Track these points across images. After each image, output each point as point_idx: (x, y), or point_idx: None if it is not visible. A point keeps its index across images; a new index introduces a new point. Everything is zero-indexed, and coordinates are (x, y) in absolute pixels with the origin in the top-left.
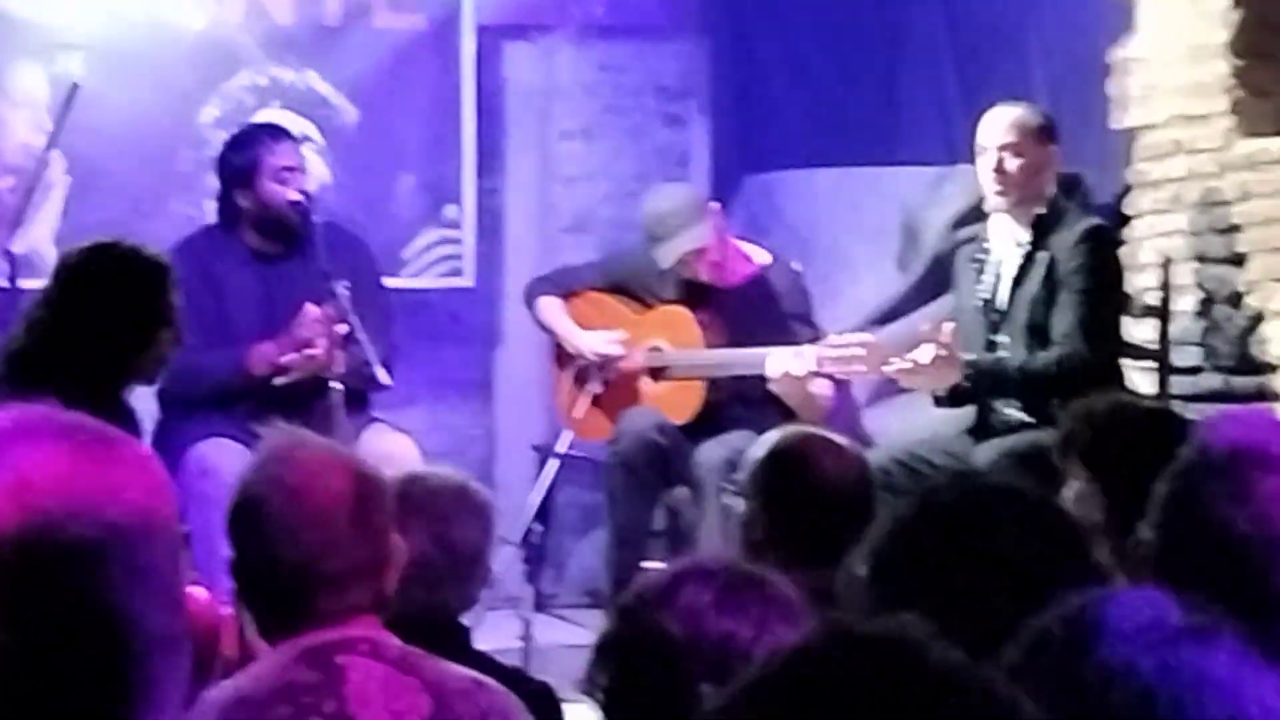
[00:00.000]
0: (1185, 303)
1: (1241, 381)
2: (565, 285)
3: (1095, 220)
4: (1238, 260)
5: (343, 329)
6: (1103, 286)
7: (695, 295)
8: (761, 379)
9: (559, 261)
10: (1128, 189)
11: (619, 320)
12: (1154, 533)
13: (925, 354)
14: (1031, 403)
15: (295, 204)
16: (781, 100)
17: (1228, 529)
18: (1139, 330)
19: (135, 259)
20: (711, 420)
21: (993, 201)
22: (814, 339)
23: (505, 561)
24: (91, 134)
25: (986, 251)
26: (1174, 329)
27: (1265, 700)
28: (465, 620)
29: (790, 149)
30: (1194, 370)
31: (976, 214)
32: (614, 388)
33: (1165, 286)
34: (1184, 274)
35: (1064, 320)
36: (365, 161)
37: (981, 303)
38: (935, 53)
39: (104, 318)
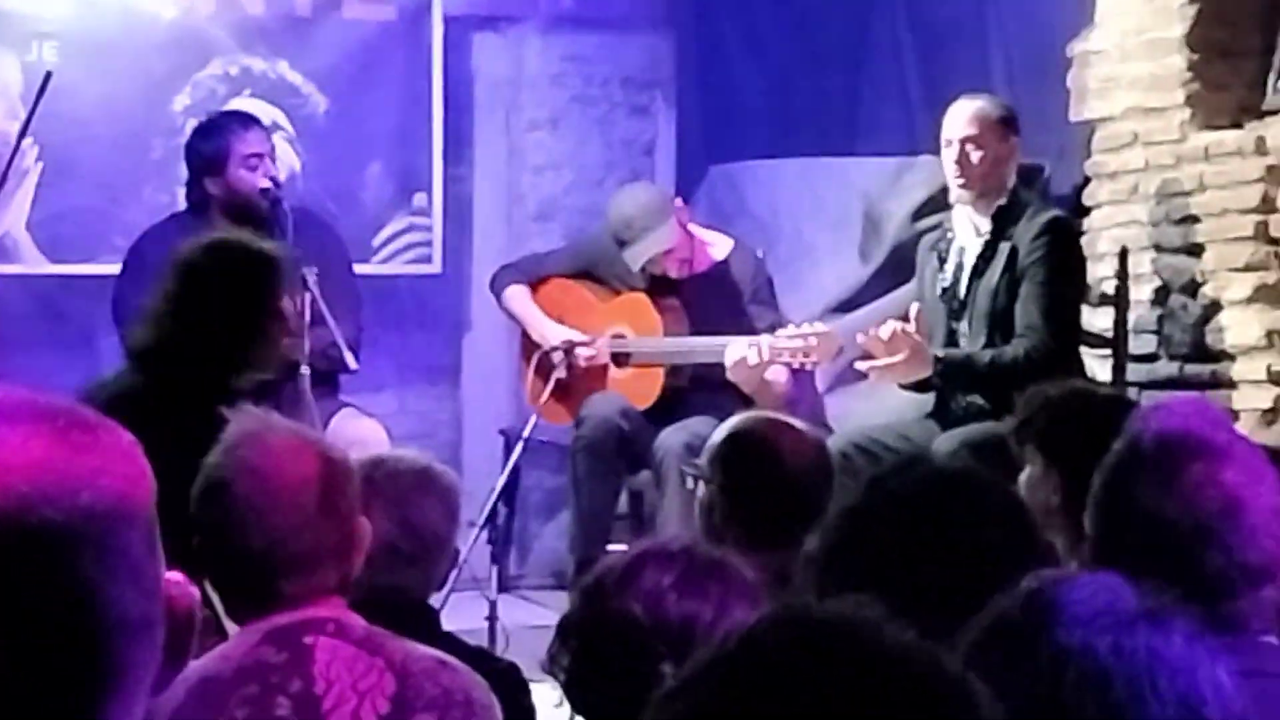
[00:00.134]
0: (1142, 292)
1: (1196, 369)
2: (532, 273)
3: (1056, 211)
4: (1194, 250)
5: (312, 313)
6: (1065, 277)
7: (660, 283)
8: (722, 365)
9: (526, 249)
10: (1086, 180)
11: (584, 307)
12: (1090, 523)
13: (886, 330)
14: (995, 392)
15: (265, 191)
16: (746, 91)
17: (1157, 516)
18: (1096, 319)
19: (245, 253)
20: (673, 406)
21: (956, 193)
22: (775, 323)
23: (471, 544)
24: (65, 122)
25: (949, 241)
26: (1131, 318)
27: (1218, 681)
28: (432, 601)
29: (754, 139)
30: (1150, 358)
31: (937, 204)
32: (578, 374)
33: (1122, 276)
34: (1141, 263)
35: (1028, 311)
36: (335, 150)
37: (942, 291)
38: (897, 46)
39: (216, 311)
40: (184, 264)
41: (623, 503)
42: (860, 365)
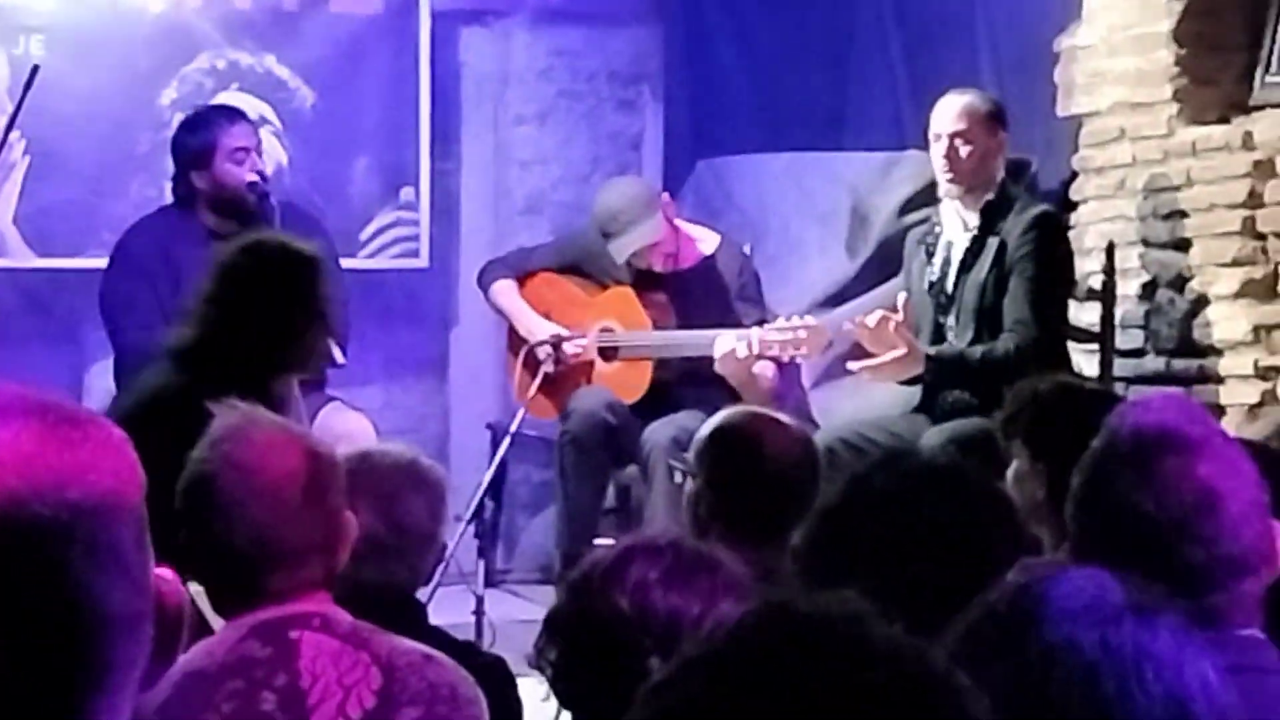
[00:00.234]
0: (1129, 287)
1: (1183, 364)
2: (519, 268)
3: (1045, 206)
4: (1181, 245)
5: None
6: (1053, 272)
7: (646, 278)
8: (709, 360)
9: (513, 244)
10: (1073, 175)
11: (572, 301)
12: (1070, 519)
13: (872, 319)
14: (983, 387)
15: (251, 185)
16: (733, 86)
17: (1135, 511)
18: (1083, 314)
19: (286, 254)
20: (660, 400)
21: (945, 187)
22: (761, 319)
23: (458, 538)
24: (52, 116)
25: (936, 235)
26: (1118, 312)
27: (1205, 676)
28: (419, 596)
29: (742, 134)
30: (1137, 353)
31: (924, 199)
32: (565, 368)
33: (1109, 271)
34: (1128, 258)
35: (1016, 306)
36: (322, 144)
37: (930, 286)
38: (884, 40)
39: (256, 311)
40: (225, 264)
41: (610, 497)
42: (853, 365)
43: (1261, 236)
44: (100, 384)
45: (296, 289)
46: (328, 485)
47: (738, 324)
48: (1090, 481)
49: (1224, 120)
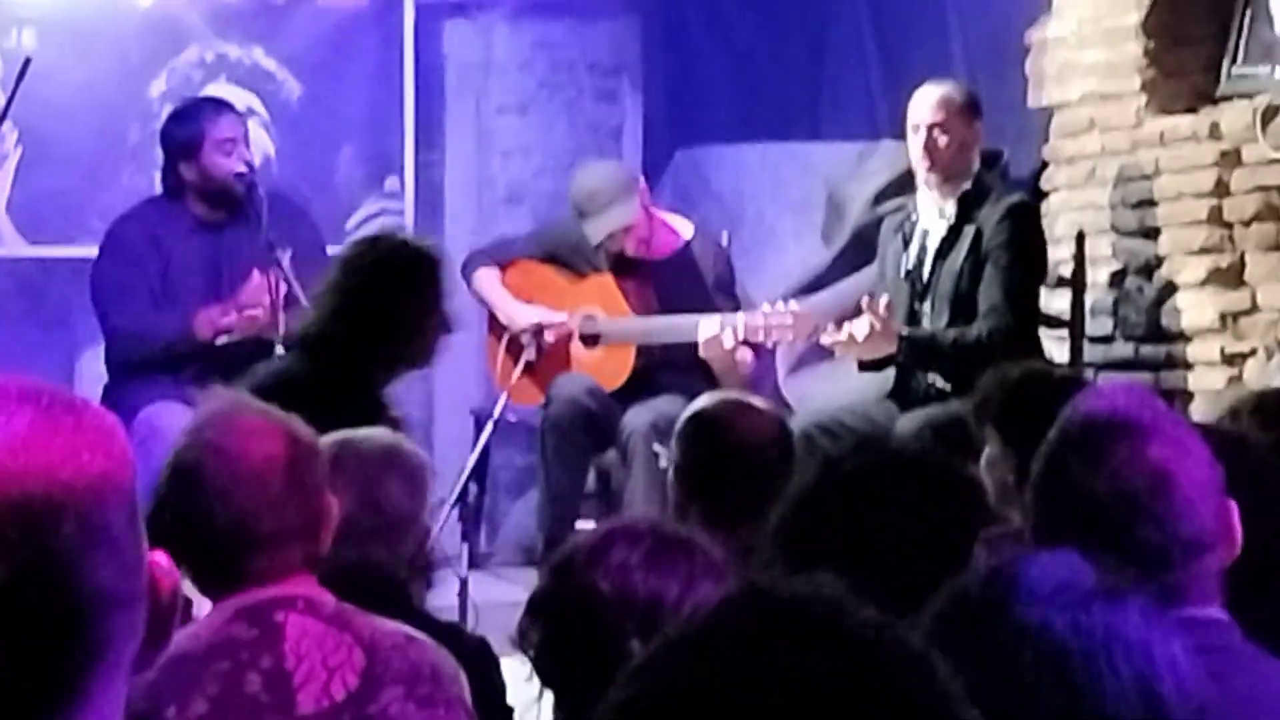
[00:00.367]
0: (1099, 274)
1: (1151, 350)
2: (500, 257)
3: (1020, 196)
4: (1150, 234)
5: (286, 294)
6: (1027, 261)
7: (623, 266)
8: (689, 346)
9: (496, 232)
10: (1044, 165)
11: (552, 289)
12: (1029, 506)
13: (861, 329)
14: (956, 372)
15: (239, 175)
16: (711, 77)
17: (1089, 495)
18: (1053, 301)
19: (409, 250)
20: (640, 385)
21: (923, 177)
22: (734, 309)
23: (442, 522)
24: (44, 107)
25: (912, 223)
26: (1087, 299)
27: (1174, 658)
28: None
29: (719, 124)
30: (1106, 339)
31: (898, 188)
32: (547, 355)
33: (1079, 259)
34: (1098, 247)
35: (990, 294)
36: (309, 134)
37: (906, 273)
38: (859, 32)
39: (378, 305)
40: (350, 258)
41: (591, 481)
42: (826, 339)
43: (1228, 225)
44: (91, 370)
45: (419, 285)
46: (309, 470)
47: (712, 312)
48: (1046, 468)
49: (1191, 111)
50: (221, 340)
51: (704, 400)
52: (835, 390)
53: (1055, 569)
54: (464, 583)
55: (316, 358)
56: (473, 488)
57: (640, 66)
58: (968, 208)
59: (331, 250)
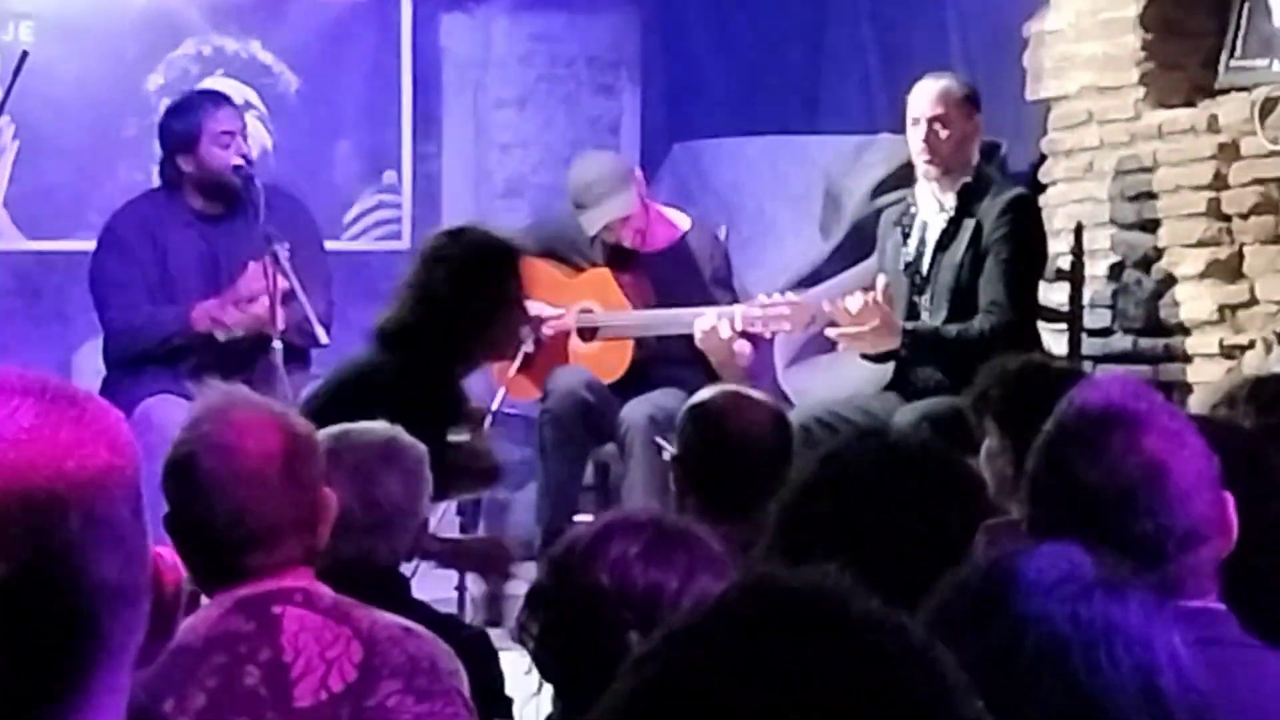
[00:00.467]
0: (1097, 267)
1: (1150, 343)
2: None
3: (1020, 190)
4: (1148, 226)
5: (284, 287)
6: (1027, 255)
7: (620, 259)
8: (687, 339)
9: (494, 225)
10: (1042, 158)
11: (549, 283)
12: (1026, 498)
13: (855, 303)
14: (958, 367)
15: (237, 168)
16: (709, 71)
17: (1084, 486)
18: (1052, 294)
19: (489, 243)
20: (638, 378)
21: (923, 169)
22: (731, 302)
23: (440, 515)
24: (40, 101)
25: (912, 216)
26: (1086, 292)
27: (1174, 650)
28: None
29: (717, 118)
30: (1105, 332)
31: (896, 181)
32: (545, 349)
33: (1077, 251)
34: (1096, 239)
35: (992, 287)
36: (306, 128)
37: (905, 265)
38: (857, 26)
39: (459, 297)
40: (431, 251)
41: (589, 474)
42: (830, 332)
43: (1226, 218)
44: (89, 364)
45: (498, 277)
46: (306, 463)
47: (709, 304)
48: (1041, 460)
49: (1190, 104)
50: (221, 336)
51: (704, 393)
52: (834, 383)
53: (1055, 561)
54: (463, 575)
55: (397, 350)
56: None
57: (638, 60)
58: (968, 201)
59: (329, 243)
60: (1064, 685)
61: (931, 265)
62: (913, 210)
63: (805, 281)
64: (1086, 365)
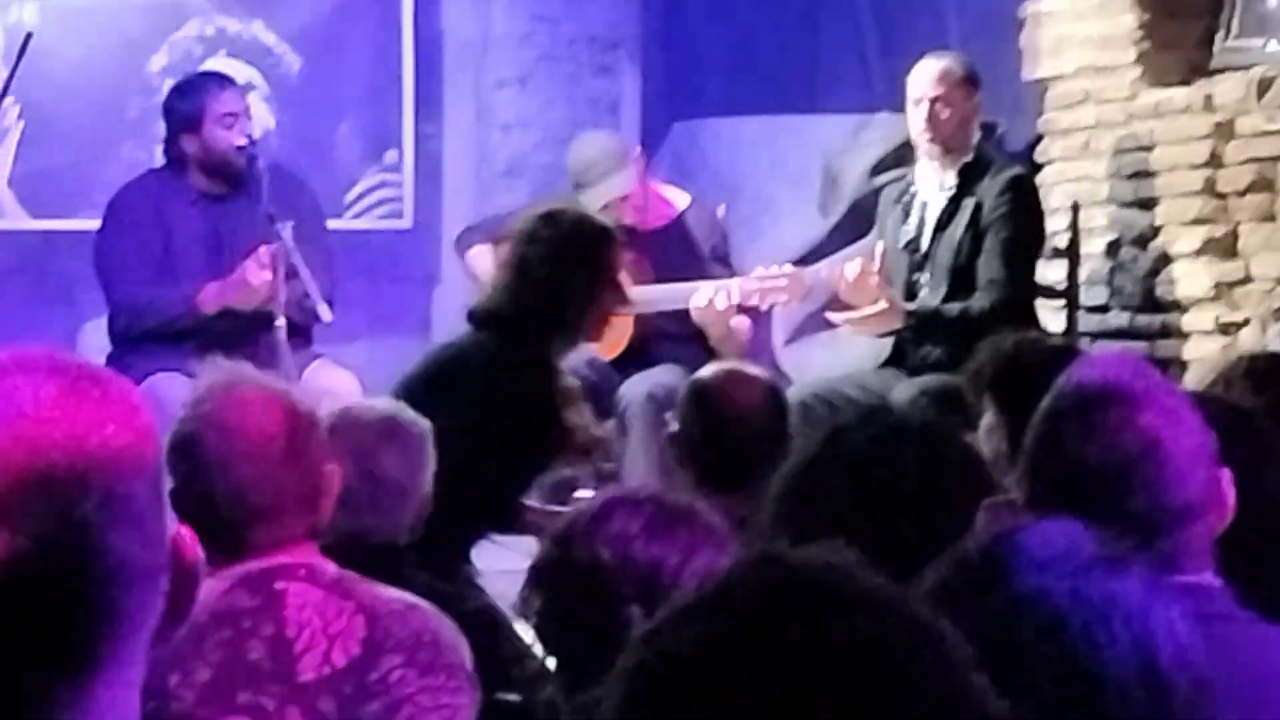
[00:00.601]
0: (1094, 245)
1: (1146, 320)
2: (494, 232)
3: (1020, 170)
4: (1144, 204)
5: (286, 266)
6: (1026, 234)
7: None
8: (686, 317)
9: (495, 205)
10: (1039, 137)
11: None
12: (1024, 474)
13: (852, 269)
14: (957, 345)
15: (240, 149)
16: (708, 51)
17: (1081, 462)
18: (1049, 271)
19: (586, 225)
20: (638, 355)
21: (925, 149)
22: (730, 279)
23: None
24: (45, 81)
25: (912, 195)
26: (1083, 270)
27: (1172, 625)
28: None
29: (716, 97)
30: (1101, 309)
31: (894, 160)
32: None
33: (1074, 229)
34: (1093, 218)
35: (991, 266)
36: (308, 108)
37: (905, 244)
38: (855, 6)
39: (557, 278)
40: (528, 233)
41: None
42: (834, 317)
43: (1222, 196)
44: (94, 341)
45: (595, 259)
46: (308, 441)
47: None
48: (1039, 436)
49: (1185, 83)
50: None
51: (705, 370)
52: (832, 360)
53: (1054, 537)
54: None
55: (492, 330)
56: None
57: (638, 40)
58: (967, 180)
59: (331, 222)
60: (1063, 660)
61: (931, 243)
62: (913, 189)
63: (804, 259)
64: (1083, 342)
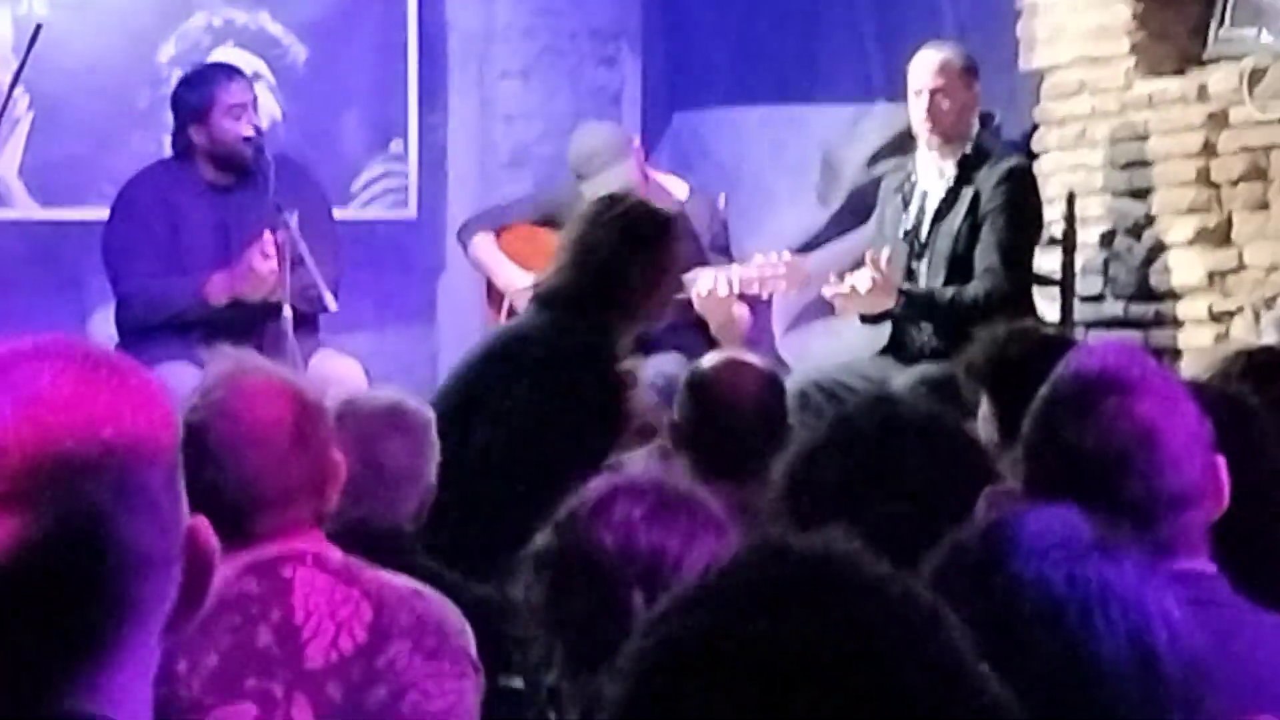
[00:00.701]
0: (1089, 234)
1: (1140, 308)
2: (496, 222)
3: (1018, 160)
4: (1139, 194)
5: (293, 255)
6: (1023, 224)
7: None
8: (686, 306)
9: (498, 195)
10: (1035, 127)
11: (549, 251)
12: (1022, 461)
13: (863, 280)
14: (952, 330)
15: (247, 139)
16: (709, 42)
17: (1078, 449)
18: (1045, 260)
19: (648, 212)
20: (639, 344)
21: (926, 139)
22: None
23: None
24: (54, 72)
25: (912, 184)
26: (1078, 259)
27: (1167, 611)
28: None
29: (717, 88)
30: (1097, 298)
31: (892, 150)
32: None
33: (1070, 219)
34: (1088, 207)
35: (988, 255)
36: (315, 99)
37: (905, 233)
38: None
39: (617, 263)
40: (592, 215)
41: None
42: (827, 291)
43: (1215, 185)
44: (102, 330)
45: (650, 242)
46: (315, 428)
47: None
48: (1037, 423)
49: (1179, 73)
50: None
51: (703, 359)
52: (831, 348)
53: (1051, 524)
54: None
55: (553, 311)
56: None
57: (639, 32)
58: (967, 170)
59: (337, 212)
60: (1060, 645)
61: (930, 232)
62: (913, 178)
63: (803, 248)
64: (1078, 330)
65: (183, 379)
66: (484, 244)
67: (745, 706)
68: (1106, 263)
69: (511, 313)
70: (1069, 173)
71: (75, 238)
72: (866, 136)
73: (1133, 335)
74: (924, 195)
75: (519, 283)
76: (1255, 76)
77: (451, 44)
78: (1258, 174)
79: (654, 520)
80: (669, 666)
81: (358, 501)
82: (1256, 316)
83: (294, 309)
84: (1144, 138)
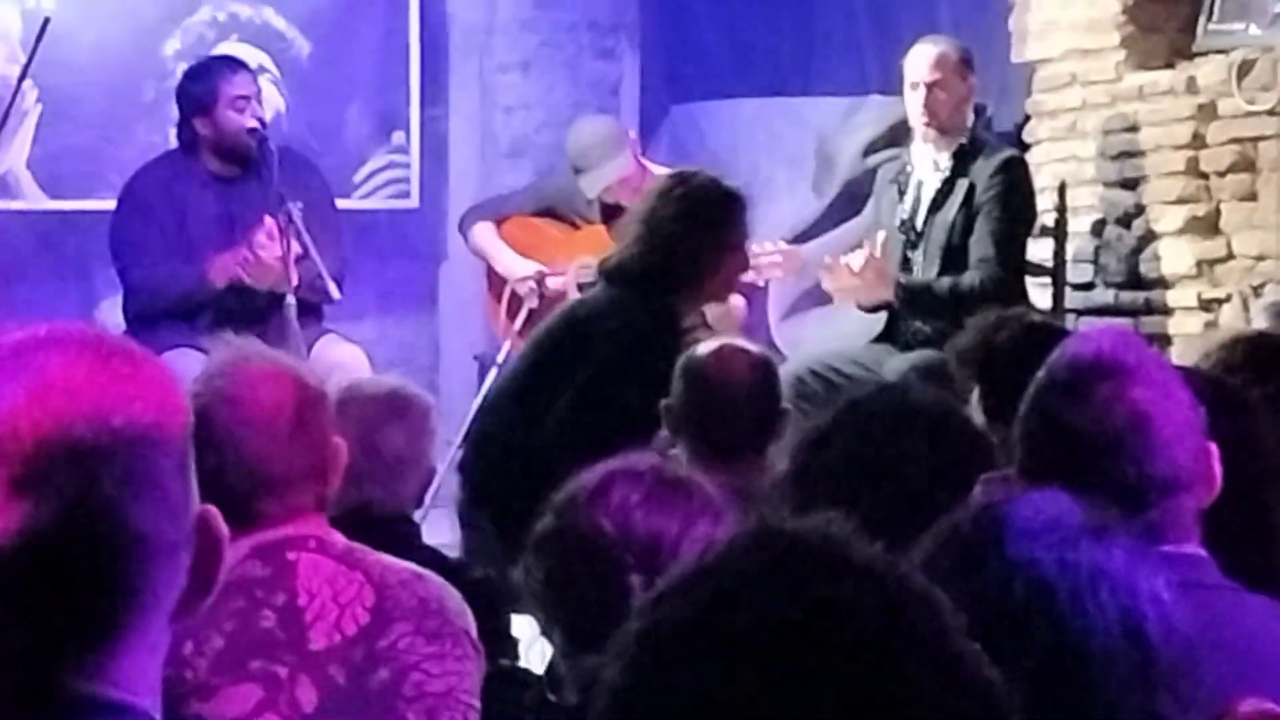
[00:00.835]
0: (1080, 224)
1: (1130, 296)
2: (496, 212)
3: (1012, 152)
4: (1129, 184)
5: (297, 245)
6: (1017, 214)
7: (616, 215)
8: None
9: (499, 185)
10: (1026, 118)
11: (548, 241)
12: (1016, 445)
13: (856, 260)
14: (948, 320)
15: (251, 131)
16: (706, 35)
17: (1072, 433)
18: (1037, 249)
19: (717, 190)
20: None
21: (922, 132)
22: None
23: (449, 462)
24: (62, 65)
25: (908, 175)
26: (1069, 248)
27: (1157, 594)
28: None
29: (713, 80)
30: (1087, 286)
31: (886, 141)
32: (547, 303)
33: (1061, 209)
34: (1079, 197)
35: (981, 245)
36: (318, 91)
37: (900, 223)
38: None
39: (684, 240)
40: (660, 190)
41: None
42: (825, 283)
43: (1204, 176)
44: (109, 320)
45: (717, 220)
46: (317, 414)
47: None
48: (1032, 407)
49: (1169, 66)
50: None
51: (699, 345)
52: (827, 336)
53: (1043, 508)
54: None
55: (621, 285)
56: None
57: (638, 25)
58: (962, 162)
59: (340, 202)
60: (1051, 628)
61: (925, 223)
62: (909, 169)
63: (799, 238)
64: (1070, 319)
65: (188, 366)
66: (484, 233)
67: (740, 688)
68: (1097, 251)
69: (513, 299)
70: (1060, 163)
71: (82, 228)
72: (861, 128)
73: (1123, 323)
74: (919, 186)
75: (519, 271)
76: (1243, 69)
77: (453, 37)
78: (1246, 165)
79: (651, 504)
80: (666, 649)
81: (359, 486)
82: (1245, 304)
83: (298, 298)
84: (1134, 129)
